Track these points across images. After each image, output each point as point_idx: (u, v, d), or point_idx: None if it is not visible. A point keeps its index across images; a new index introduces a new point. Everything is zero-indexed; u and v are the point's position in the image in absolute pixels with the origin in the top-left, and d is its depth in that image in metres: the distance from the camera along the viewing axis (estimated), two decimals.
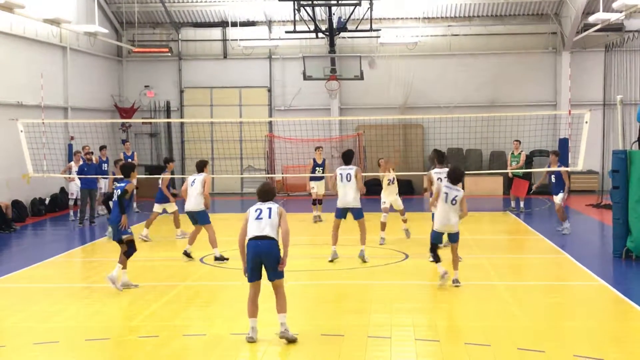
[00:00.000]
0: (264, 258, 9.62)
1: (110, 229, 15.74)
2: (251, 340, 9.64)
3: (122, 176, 13.33)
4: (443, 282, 12.71)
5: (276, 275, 9.70)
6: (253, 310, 9.78)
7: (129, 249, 12.85)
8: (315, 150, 22.08)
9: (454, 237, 12.97)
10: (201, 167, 15.84)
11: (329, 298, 12.25)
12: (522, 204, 23.69)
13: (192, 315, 11.32)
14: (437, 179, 14.77)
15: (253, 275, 9.75)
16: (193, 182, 15.60)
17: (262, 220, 9.64)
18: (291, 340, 9.60)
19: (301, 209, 24.05)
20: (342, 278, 13.85)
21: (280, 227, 9.69)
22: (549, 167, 19.73)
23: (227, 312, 11.41)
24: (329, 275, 14.19)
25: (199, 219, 15.54)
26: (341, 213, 15.21)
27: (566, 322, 10.65)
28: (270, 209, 9.72)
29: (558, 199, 19.00)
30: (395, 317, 10.90)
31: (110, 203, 13.23)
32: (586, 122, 17.54)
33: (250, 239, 9.63)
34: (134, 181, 13.23)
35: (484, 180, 29.24)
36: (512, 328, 10.24)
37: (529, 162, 27.24)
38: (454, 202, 12.66)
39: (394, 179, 17.92)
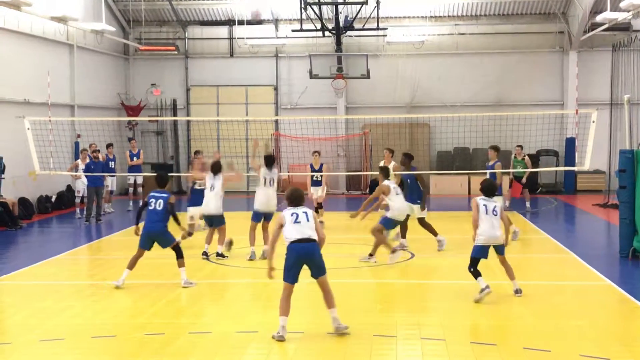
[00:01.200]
0: (308, 259, 9.90)
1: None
2: (281, 339, 9.64)
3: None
4: (481, 297, 11.77)
5: (320, 272, 9.99)
6: (287, 309, 9.89)
7: (179, 252, 13.06)
8: (313, 155, 21.02)
9: (501, 249, 12.45)
10: (218, 169, 15.74)
11: (335, 297, 12.23)
12: (528, 204, 23.60)
13: (198, 312, 11.32)
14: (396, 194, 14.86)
15: (295, 277, 9.99)
16: (212, 187, 15.55)
17: (301, 223, 9.90)
18: (344, 332, 9.80)
19: None
20: (348, 277, 13.84)
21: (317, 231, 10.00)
22: (488, 165, 18.58)
23: (232, 310, 11.42)
24: (335, 274, 14.13)
25: (217, 221, 15.61)
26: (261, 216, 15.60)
27: (572, 321, 10.62)
28: (305, 212, 10.01)
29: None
30: (401, 316, 10.89)
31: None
32: (593, 122, 17.49)
33: (293, 242, 9.86)
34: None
35: None
36: (518, 327, 10.23)
37: (535, 162, 27.15)
38: (495, 212, 12.07)
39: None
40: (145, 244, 12.96)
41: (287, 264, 9.92)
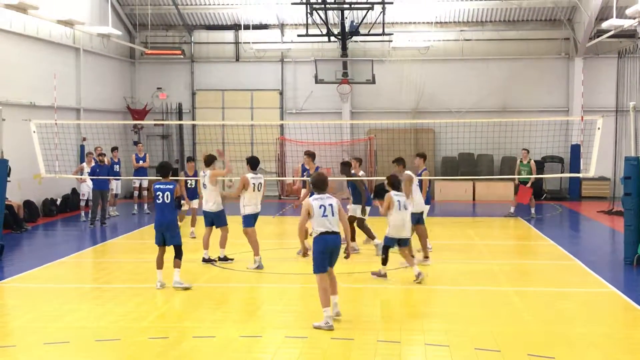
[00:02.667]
0: (334, 250, 10.70)
1: None
2: (330, 328, 10.32)
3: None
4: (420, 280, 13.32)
5: (334, 262, 10.90)
6: (327, 300, 10.63)
7: (179, 252, 13.17)
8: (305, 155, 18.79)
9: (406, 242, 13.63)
10: (209, 163, 15.71)
11: (339, 302, 12.24)
12: (533, 210, 23.57)
13: (201, 317, 11.32)
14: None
15: (325, 266, 10.72)
16: (204, 185, 15.59)
17: (327, 217, 10.60)
18: (338, 318, 10.76)
19: None
20: (352, 282, 13.83)
21: (341, 222, 10.82)
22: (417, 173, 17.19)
23: (236, 314, 11.43)
24: (338, 279, 14.15)
25: (218, 220, 15.51)
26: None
27: (576, 328, 10.60)
28: (331, 205, 10.65)
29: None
30: (405, 321, 10.89)
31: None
32: (598, 129, 17.46)
33: (321, 234, 10.60)
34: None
35: (495, 186, 29.19)
36: (523, 334, 10.21)
37: (540, 169, 27.14)
38: (406, 208, 12.92)
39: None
40: (160, 240, 13.06)
41: (316, 255, 10.65)
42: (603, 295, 12.90)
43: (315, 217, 10.56)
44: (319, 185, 10.77)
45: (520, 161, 23.68)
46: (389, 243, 13.61)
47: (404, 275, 14.30)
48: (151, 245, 13.37)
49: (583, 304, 12.28)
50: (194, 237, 18.80)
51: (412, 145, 29.52)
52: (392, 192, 13.47)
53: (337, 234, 10.64)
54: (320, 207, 10.57)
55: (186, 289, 12.93)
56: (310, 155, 18.28)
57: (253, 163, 15.29)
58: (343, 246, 10.86)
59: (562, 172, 29.44)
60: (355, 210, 16.66)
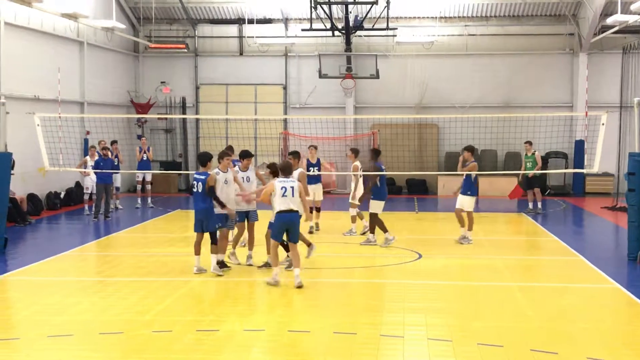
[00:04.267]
0: (290, 226, 12.61)
1: None
2: (277, 283, 12.58)
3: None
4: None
5: (295, 239, 12.78)
6: (277, 260, 12.82)
7: (214, 238, 13.66)
8: (309, 149, 19.74)
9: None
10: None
11: (342, 296, 12.26)
12: (539, 204, 23.51)
13: (205, 310, 11.34)
14: None
15: (280, 237, 12.82)
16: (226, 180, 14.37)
17: (287, 197, 12.51)
18: (300, 286, 12.22)
19: None
20: (355, 277, 13.85)
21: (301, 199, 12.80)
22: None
23: (240, 308, 11.43)
24: (342, 274, 14.19)
25: (252, 215, 14.65)
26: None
27: (579, 324, 10.60)
28: (292, 187, 12.58)
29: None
30: (408, 316, 10.89)
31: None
32: (603, 124, 17.45)
33: (279, 212, 12.53)
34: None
35: (498, 181, 29.14)
36: (525, 329, 10.21)
37: (544, 164, 27.08)
38: (293, 194, 12.78)
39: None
40: (197, 227, 13.60)
41: (274, 228, 12.77)
42: (606, 291, 12.90)
43: (277, 196, 12.51)
44: (285, 170, 12.83)
45: (526, 154, 23.65)
46: None
47: (407, 270, 14.32)
48: (154, 238, 13.46)
49: (586, 300, 12.28)
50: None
51: (415, 140, 29.53)
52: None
53: (294, 212, 12.57)
54: (281, 188, 12.50)
55: (219, 276, 13.43)
56: (315, 148, 19.48)
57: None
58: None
59: (565, 168, 29.40)
60: (376, 206, 16.88)
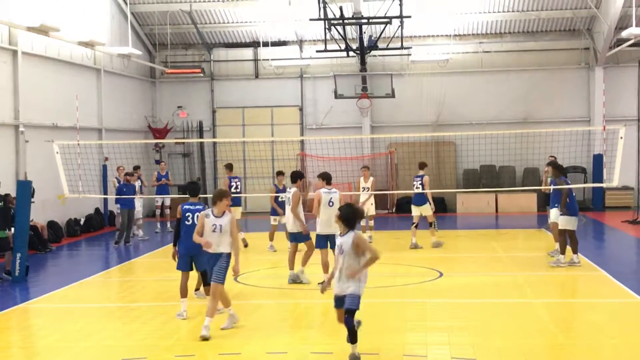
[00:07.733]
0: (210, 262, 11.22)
1: None
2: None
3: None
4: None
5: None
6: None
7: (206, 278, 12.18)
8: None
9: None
10: (295, 179, 14.94)
11: (364, 316, 12.19)
12: None
13: (227, 333, 11.31)
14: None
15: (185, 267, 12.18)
16: (288, 200, 14.87)
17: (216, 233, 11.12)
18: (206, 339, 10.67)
19: None
20: (377, 296, 13.79)
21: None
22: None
23: (261, 331, 11.40)
24: (364, 294, 14.13)
25: (300, 237, 14.73)
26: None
27: (604, 339, 10.50)
28: (221, 225, 11.11)
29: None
30: (431, 335, 10.83)
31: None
32: (621, 138, 17.38)
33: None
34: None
35: (517, 197, 29.05)
36: (550, 346, 10.13)
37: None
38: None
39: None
40: (185, 265, 12.23)
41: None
42: (631, 305, 12.78)
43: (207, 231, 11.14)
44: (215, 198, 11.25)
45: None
46: None
47: (428, 288, 14.26)
48: (175, 263, 13.25)
49: (611, 315, 12.17)
50: (274, 251, 19.08)
51: (433, 159, 29.47)
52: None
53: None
54: (212, 225, 11.11)
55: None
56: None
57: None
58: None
59: (584, 183, 29.24)
60: (571, 223, 16.24)
